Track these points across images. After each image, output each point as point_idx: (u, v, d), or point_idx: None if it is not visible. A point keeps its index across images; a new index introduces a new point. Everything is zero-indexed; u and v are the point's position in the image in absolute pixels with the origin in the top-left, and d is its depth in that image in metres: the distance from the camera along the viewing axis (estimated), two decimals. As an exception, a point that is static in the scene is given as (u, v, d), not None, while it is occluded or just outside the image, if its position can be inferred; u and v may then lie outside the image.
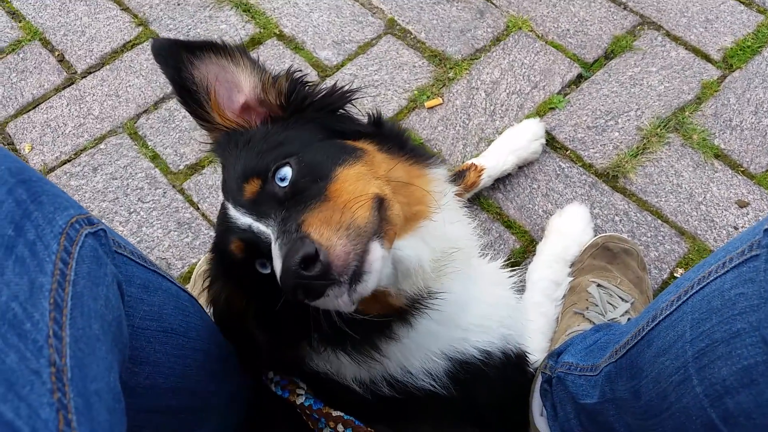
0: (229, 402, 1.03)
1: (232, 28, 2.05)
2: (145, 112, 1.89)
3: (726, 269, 0.76)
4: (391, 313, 0.89)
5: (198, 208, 1.70)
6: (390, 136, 0.98)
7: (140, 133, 1.84)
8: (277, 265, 0.72)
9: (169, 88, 1.92)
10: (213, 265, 0.96)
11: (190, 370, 0.89)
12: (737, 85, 1.80)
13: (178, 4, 2.13)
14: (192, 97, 0.95)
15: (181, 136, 1.83)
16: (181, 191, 1.73)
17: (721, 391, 0.76)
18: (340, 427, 0.91)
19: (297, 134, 0.91)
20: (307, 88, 0.97)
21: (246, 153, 0.88)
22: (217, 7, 2.10)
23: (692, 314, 0.81)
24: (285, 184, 0.81)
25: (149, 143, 1.82)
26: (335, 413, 0.92)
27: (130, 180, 1.76)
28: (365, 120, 1.02)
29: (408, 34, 2.00)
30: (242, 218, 0.81)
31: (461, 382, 1.01)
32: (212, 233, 1.65)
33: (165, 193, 1.73)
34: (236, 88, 0.96)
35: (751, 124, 1.73)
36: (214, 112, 0.95)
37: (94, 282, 0.64)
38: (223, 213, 0.86)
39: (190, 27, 2.07)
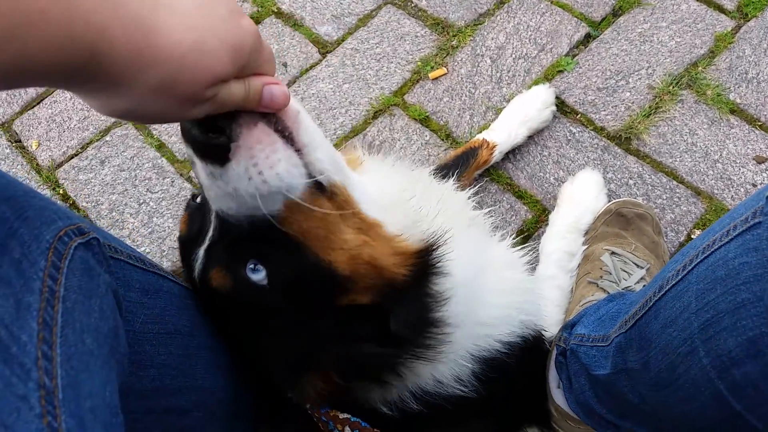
0: (238, 396, 1.03)
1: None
2: (148, 100, 1.87)
3: (730, 237, 0.74)
4: (416, 265, 0.82)
5: (206, 196, 1.70)
6: None
7: (145, 122, 1.84)
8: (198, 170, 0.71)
9: (170, 75, 1.91)
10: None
11: (197, 368, 0.88)
12: (753, 35, 1.73)
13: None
14: None
15: (185, 123, 1.82)
16: (189, 179, 1.73)
17: (728, 363, 0.75)
18: (347, 430, 0.90)
19: None
20: None
21: None
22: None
23: (697, 284, 0.79)
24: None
25: (154, 132, 1.82)
26: (342, 416, 0.90)
27: (138, 171, 1.76)
28: None
29: (409, 3, 1.95)
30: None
31: (485, 379, 0.97)
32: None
33: (173, 182, 1.73)
34: None
35: (767, 75, 1.66)
36: None
37: (87, 295, 0.64)
38: None
39: (188, 10, 2.04)
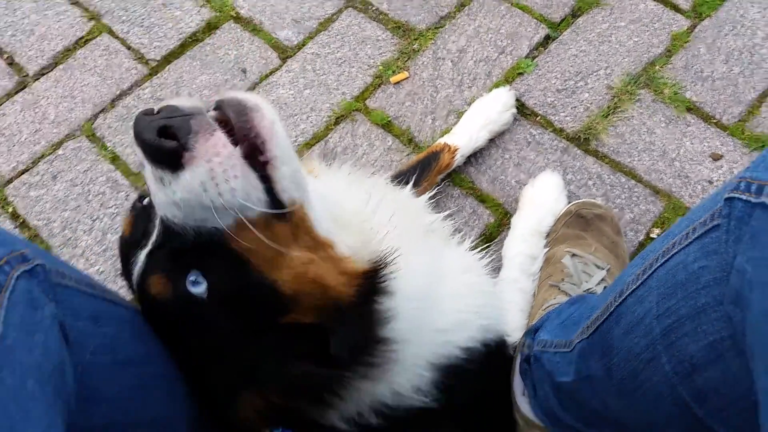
0: (199, 425, 0.99)
1: (186, 14, 1.98)
2: (102, 111, 1.83)
3: (689, 240, 0.74)
4: (361, 287, 0.80)
5: (163, 208, 1.66)
6: None
7: (98, 134, 1.79)
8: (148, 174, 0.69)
9: (125, 84, 1.87)
10: None
11: (152, 399, 0.84)
12: (707, 34, 1.75)
13: (129, -6, 2.05)
14: None
15: (142, 133, 1.78)
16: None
17: (690, 369, 0.75)
18: None
19: None
20: None
21: None
22: (169, -6, 2.03)
23: (658, 289, 0.78)
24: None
25: (108, 144, 1.77)
26: None
27: (92, 185, 1.71)
28: None
29: (370, 6, 1.93)
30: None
31: (447, 388, 0.95)
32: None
33: (128, 196, 1.69)
34: None
35: (722, 73, 1.68)
36: None
37: (28, 330, 0.60)
38: None
39: (143, 17, 1.99)
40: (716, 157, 1.57)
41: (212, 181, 0.65)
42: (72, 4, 2.04)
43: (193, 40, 1.93)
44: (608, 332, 0.91)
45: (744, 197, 0.63)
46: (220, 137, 0.66)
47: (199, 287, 0.73)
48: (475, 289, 1.09)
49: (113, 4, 2.03)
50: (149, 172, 0.67)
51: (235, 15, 1.97)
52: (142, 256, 0.78)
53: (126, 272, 0.87)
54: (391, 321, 0.82)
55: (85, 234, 1.64)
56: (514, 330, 1.27)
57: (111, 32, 1.98)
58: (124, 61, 1.91)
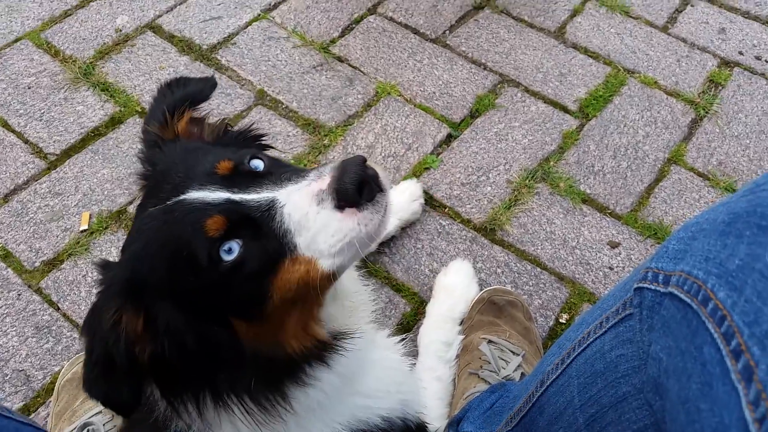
0: None
1: (89, 108, 1.94)
2: (-7, 206, 1.71)
3: (604, 329, 0.76)
4: (310, 349, 0.84)
5: (58, 309, 1.54)
6: None
7: (-12, 230, 1.67)
8: (314, 185, 0.75)
9: (21, 179, 1.77)
10: (115, 282, 0.79)
11: None
12: (595, 132, 1.92)
13: (29, 88, 1.99)
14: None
15: (36, 229, 1.67)
16: (39, 291, 1.56)
17: None
18: None
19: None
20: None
21: (205, 151, 0.86)
22: (73, 89, 1.99)
23: (578, 378, 0.80)
24: (258, 171, 0.82)
25: (0, 241, 1.65)
26: None
27: (-22, 284, 1.57)
28: None
29: (279, 104, 1.98)
30: (213, 194, 0.76)
31: None
32: (75, 335, 1.49)
33: (20, 295, 1.56)
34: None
35: (611, 168, 1.83)
36: (177, 123, 0.94)
37: None
38: (171, 205, 0.77)
39: (43, 111, 1.93)
40: (614, 245, 1.68)
41: (345, 236, 0.75)
42: (-36, 97, 1.95)
43: (95, 134, 1.88)
44: (532, 423, 0.92)
45: (653, 287, 0.67)
46: (379, 219, 0.76)
47: (230, 254, 0.75)
48: (395, 365, 1.09)
49: (10, 97, 1.96)
50: (319, 185, 0.75)
51: (140, 110, 1.95)
52: (223, 194, 0.77)
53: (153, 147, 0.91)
54: (308, 387, 0.85)
55: (-34, 339, 1.48)
56: (434, 419, 1.24)
57: (6, 125, 1.89)
58: (20, 155, 1.82)
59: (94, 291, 0.79)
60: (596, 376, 0.76)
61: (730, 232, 0.58)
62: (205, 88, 0.97)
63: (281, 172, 0.80)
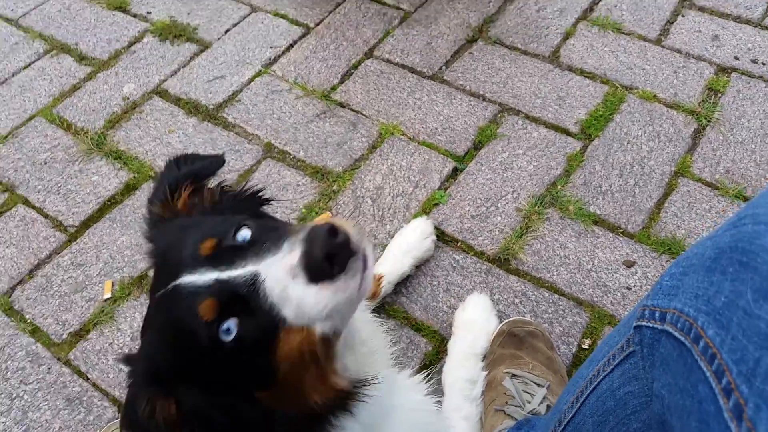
0: None
1: (104, 178, 2.00)
2: (19, 283, 1.77)
3: (611, 367, 0.77)
4: (332, 400, 0.86)
5: (87, 379, 1.57)
6: None
7: (16, 307, 1.72)
8: (287, 258, 0.73)
9: (43, 253, 1.82)
10: (139, 373, 0.83)
11: None
12: (599, 152, 1.93)
13: (45, 163, 2.06)
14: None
15: (62, 301, 1.72)
16: (68, 363, 1.60)
17: None
18: None
19: (234, 214, 0.93)
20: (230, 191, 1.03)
21: (196, 228, 0.87)
22: (86, 160, 2.05)
23: (592, 417, 0.81)
24: (245, 241, 0.81)
25: (27, 316, 1.70)
26: None
27: (10, 362, 1.61)
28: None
29: (287, 155, 2.02)
30: (203, 277, 0.77)
31: None
32: (106, 404, 1.52)
33: (50, 368, 1.60)
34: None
35: (619, 186, 1.84)
36: (177, 200, 0.97)
37: None
38: (170, 290, 0.80)
39: (60, 184, 1.99)
40: (629, 264, 1.68)
41: (325, 306, 0.74)
42: (-15, 178, 2.02)
43: (111, 202, 1.94)
44: None
45: (650, 325, 0.68)
46: (355, 285, 0.75)
47: (229, 335, 0.76)
48: (422, 407, 1.10)
49: (28, 174, 2.03)
50: (290, 260, 0.73)
51: (153, 175, 2.00)
52: (211, 275, 0.78)
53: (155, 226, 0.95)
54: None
55: (3, 416, 1.52)
56: (465, 460, 1.24)
57: (27, 202, 1.96)
58: (41, 230, 1.88)
59: (125, 386, 0.83)
60: (608, 414, 0.77)
61: (716, 268, 0.59)
62: (211, 165, 1.00)
63: (264, 240, 0.79)
